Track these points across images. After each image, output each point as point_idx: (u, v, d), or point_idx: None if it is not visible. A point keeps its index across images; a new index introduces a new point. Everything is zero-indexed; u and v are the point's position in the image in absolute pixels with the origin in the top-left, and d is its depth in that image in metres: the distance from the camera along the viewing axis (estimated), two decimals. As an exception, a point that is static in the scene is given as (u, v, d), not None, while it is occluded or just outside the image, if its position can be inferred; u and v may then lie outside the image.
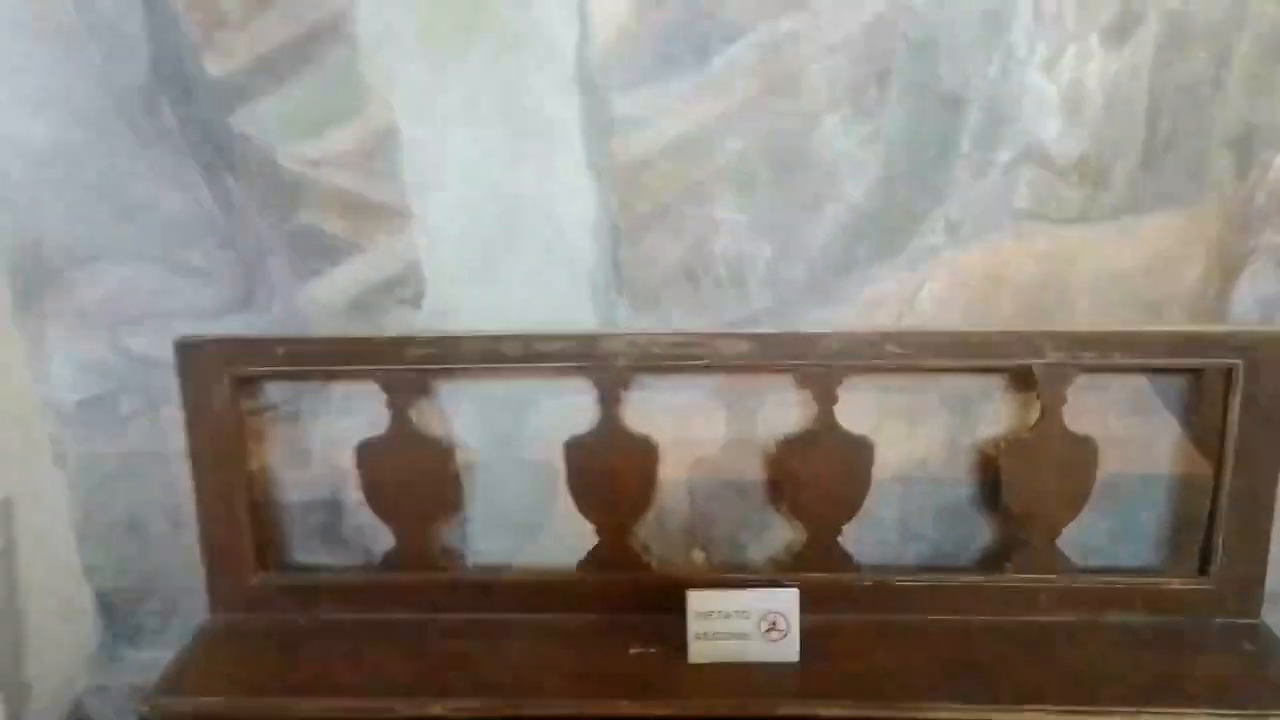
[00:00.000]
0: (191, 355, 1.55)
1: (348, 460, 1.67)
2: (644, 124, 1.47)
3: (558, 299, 1.57)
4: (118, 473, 1.74)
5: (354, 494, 1.70)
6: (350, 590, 1.65)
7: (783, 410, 1.59)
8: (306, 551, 1.75)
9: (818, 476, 1.57)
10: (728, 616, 1.46)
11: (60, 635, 1.76)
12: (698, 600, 1.46)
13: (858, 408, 1.56)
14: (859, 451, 1.56)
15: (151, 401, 1.69)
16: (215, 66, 1.48)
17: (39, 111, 1.51)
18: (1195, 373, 1.53)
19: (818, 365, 1.51)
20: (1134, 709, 1.34)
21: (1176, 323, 1.51)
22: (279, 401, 1.68)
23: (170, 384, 1.62)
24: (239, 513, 1.61)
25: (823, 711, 1.36)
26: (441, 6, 1.44)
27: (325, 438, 1.70)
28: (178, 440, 1.65)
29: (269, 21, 1.45)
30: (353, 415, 1.67)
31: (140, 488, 1.75)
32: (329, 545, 1.76)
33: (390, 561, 1.66)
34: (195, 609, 1.72)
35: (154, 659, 1.68)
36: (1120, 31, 1.41)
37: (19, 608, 1.67)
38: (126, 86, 1.49)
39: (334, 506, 1.74)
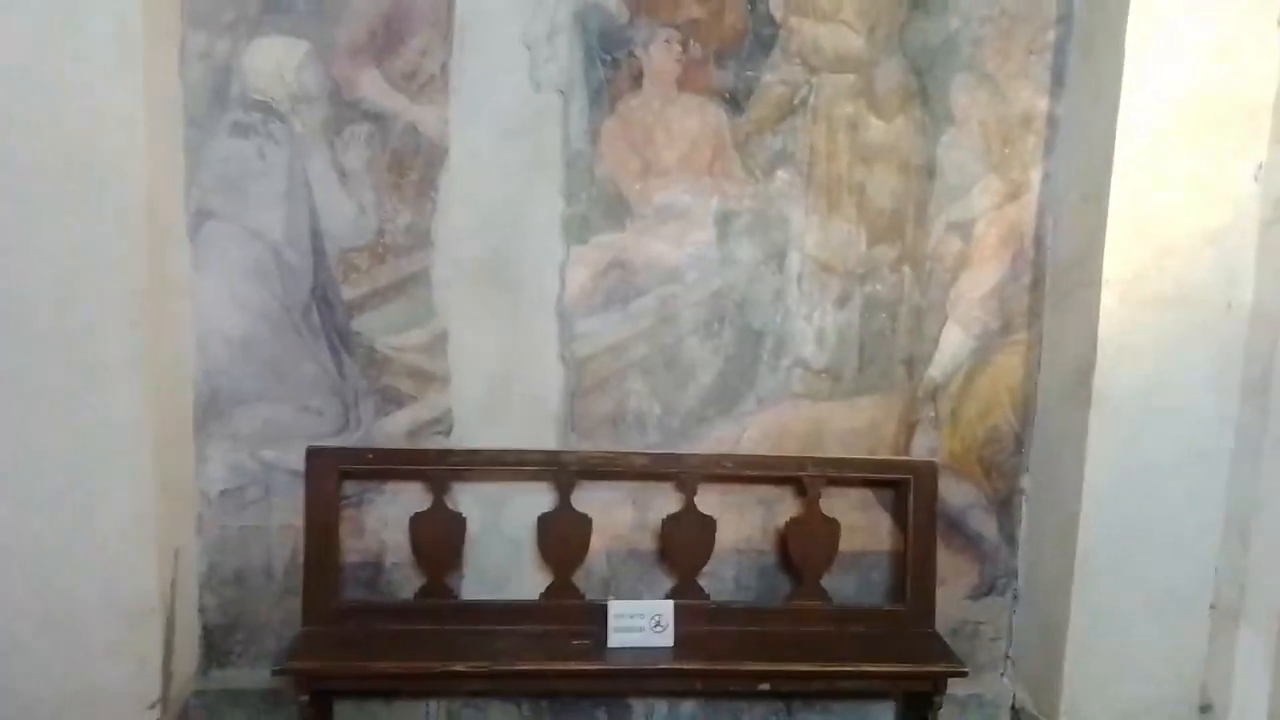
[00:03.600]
0: (315, 457, 2.57)
1: (389, 538, 2.68)
2: (592, 337, 2.65)
3: (534, 433, 2.68)
4: (235, 541, 2.69)
5: (389, 559, 2.70)
6: (396, 610, 2.63)
7: (664, 502, 2.71)
8: (354, 593, 2.71)
9: (684, 544, 2.67)
10: (632, 618, 2.51)
11: (182, 653, 2.63)
12: (615, 608, 2.51)
13: (708, 502, 2.69)
14: (708, 528, 2.68)
15: (268, 493, 2.67)
16: (348, 292, 2.60)
17: (239, 313, 2.57)
18: (891, 484, 2.74)
19: (685, 474, 2.65)
20: (852, 664, 2.45)
21: (880, 456, 2.73)
22: (351, 494, 2.69)
23: (281, 480, 2.63)
24: (329, 560, 2.59)
25: (685, 666, 2.41)
26: (483, 270, 2.61)
27: (376, 519, 2.71)
28: (279, 519, 2.64)
29: (382, 271, 2.60)
30: (395, 507, 2.70)
31: (248, 552, 2.70)
32: (369, 591, 2.72)
33: (420, 596, 2.65)
34: (269, 642, 2.64)
35: (235, 675, 2.60)
36: (843, 300, 2.69)
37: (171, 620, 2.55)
38: (295, 301, 2.58)
39: (376, 567, 2.72)
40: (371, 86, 2.53)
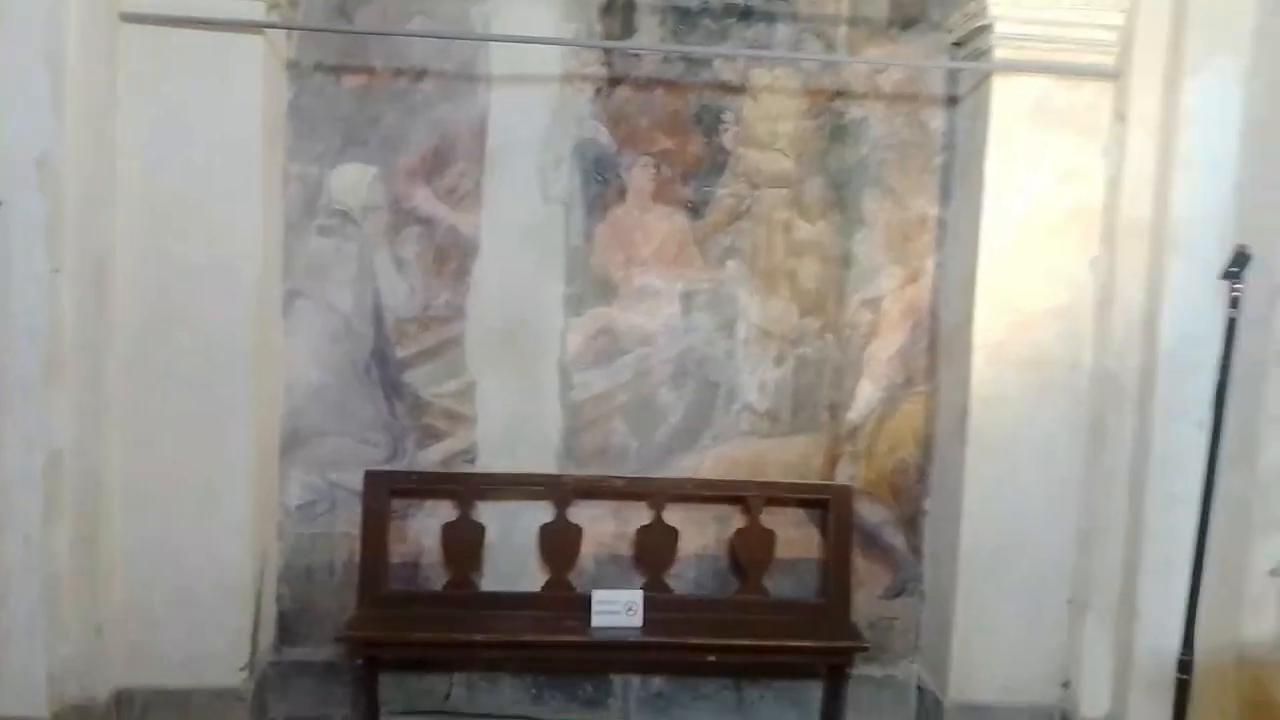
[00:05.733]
0: (371, 479, 3.37)
1: (425, 542, 3.45)
2: (585, 387, 3.45)
3: (539, 461, 3.46)
4: (306, 544, 3.47)
5: (425, 559, 3.47)
6: (430, 598, 3.39)
7: (639, 516, 3.46)
8: (397, 585, 3.47)
9: (654, 549, 3.42)
10: (610, 603, 3.25)
11: (264, 631, 3.39)
12: (598, 596, 3.26)
13: (673, 517, 3.44)
14: (673, 537, 3.43)
15: (333, 507, 3.46)
16: (400, 352, 3.42)
17: (317, 368, 3.40)
18: (817, 503, 3.48)
19: (655, 494, 3.41)
20: (782, 642, 3.17)
21: (809, 481, 3.48)
22: (397, 508, 3.47)
23: (343, 497, 3.42)
24: (378, 559, 3.36)
25: (650, 639, 3.15)
26: (503, 336, 3.42)
27: (416, 527, 3.48)
28: (341, 527, 3.43)
29: (427, 336, 3.42)
30: (431, 518, 3.47)
31: (317, 553, 3.47)
32: (409, 584, 3.48)
33: (448, 587, 3.41)
34: (329, 626, 3.39)
35: (302, 651, 3.37)
36: (780, 360, 3.48)
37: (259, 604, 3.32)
38: (359, 359, 3.41)
39: (415, 565, 3.49)
40: (423, 199, 3.39)
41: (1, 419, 2.77)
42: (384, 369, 3.42)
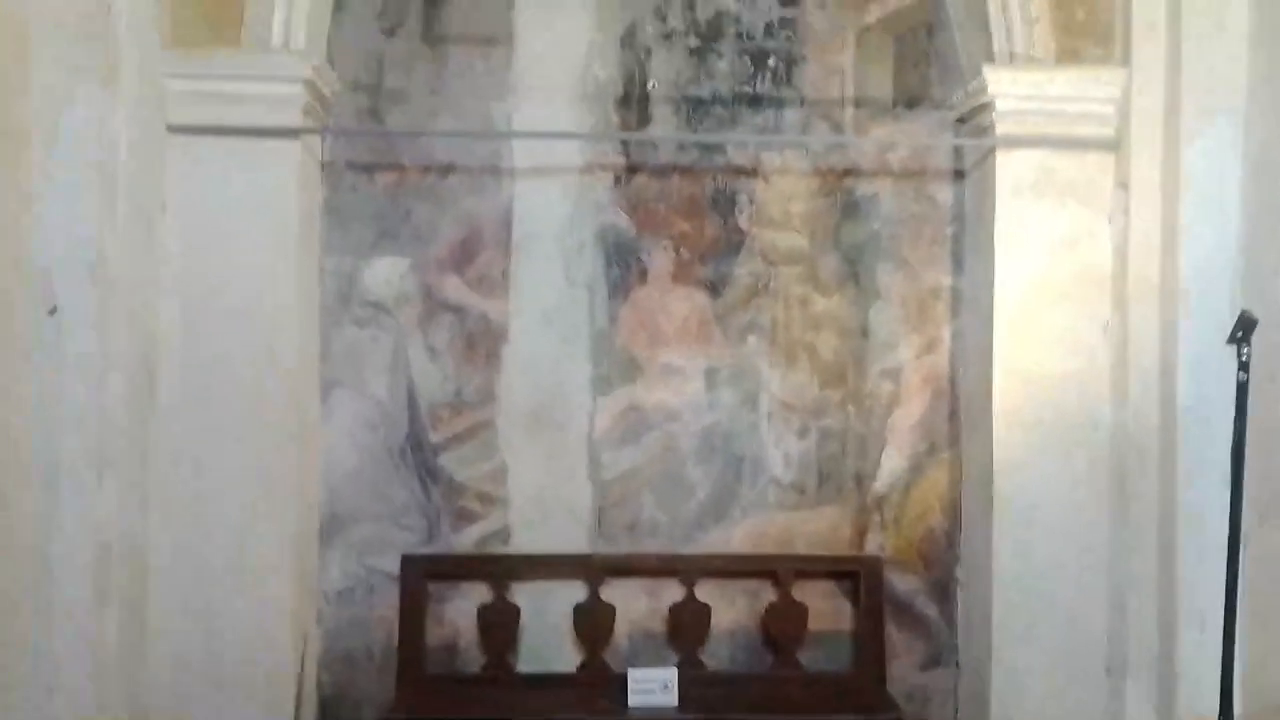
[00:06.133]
0: (408, 564, 3.43)
1: (462, 625, 3.49)
2: (614, 465, 3.52)
3: (571, 539, 3.51)
4: (345, 629, 3.52)
5: (462, 641, 3.50)
6: (467, 680, 3.42)
7: (672, 593, 3.49)
8: (435, 668, 3.50)
9: (687, 626, 3.44)
10: (646, 682, 3.26)
11: (305, 714, 3.42)
12: (634, 675, 3.27)
13: (705, 593, 3.47)
14: (705, 613, 3.45)
15: (371, 592, 3.51)
16: (434, 436, 3.52)
17: (354, 454, 3.50)
18: (848, 575, 3.50)
19: (687, 570, 3.45)
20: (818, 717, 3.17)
21: (836, 552, 3.51)
22: (433, 591, 3.52)
23: (381, 581, 3.48)
24: (416, 643, 3.40)
25: (687, 717, 3.15)
26: (533, 418, 3.52)
27: (452, 610, 3.53)
28: (379, 612, 3.48)
29: (460, 420, 3.52)
30: (466, 600, 3.52)
31: (355, 638, 3.52)
32: (446, 667, 3.51)
33: (485, 669, 3.43)
34: (368, 711, 3.41)
35: None
36: (803, 432, 3.54)
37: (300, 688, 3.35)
38: (395, 444, 3.51)
39: (452, 648, 3.52)
40: (453, 288, 3.52)
41: (52, 511, 2.86)
42: (419, 454, 3.52)
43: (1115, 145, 3.25)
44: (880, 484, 3.56)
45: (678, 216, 3.57)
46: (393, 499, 3.51)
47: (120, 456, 2.95)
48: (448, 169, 3.52)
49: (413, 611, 3.42)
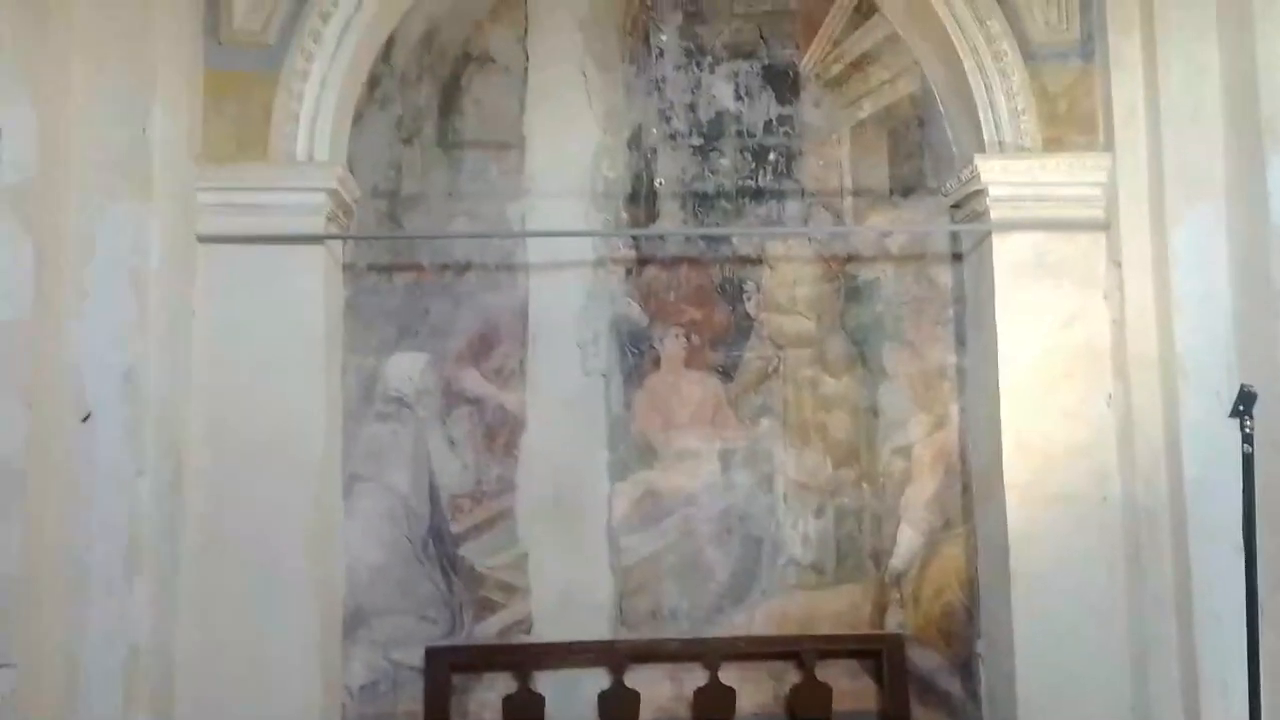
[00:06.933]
0: (432, 656, 3.44)
1: (486, 716, 3.49)
2: (633, 551, 3.57)
3: (593, 627, 3.53)
4: (369, 725, 3.52)
5: (487, 736, 3.50)
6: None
7: (695, 677, 3.50)
8: (462, 766, 3.49)
9: (712, 710, 3.44)
10: (675, 769, 3.26)
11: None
12: (661, 762, 3.27)
13: (729, 676, 3.48)
14: (729, 697, 3.46)
15: (395, 685, 3.52)
16: (455, 527, 3.57)
17: (376, 547, 3.54)
18: (870, 654, 3.52)
19: (710, 654, 3.46)
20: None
21: (857, 630, 3.53)
22: (457, 683, 3.52)
23: (405, 675, 3.48)
24: (443, 735, 3.40)
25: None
26: (552, 505, 3.57)
27: (476, 701, 3.53)
28: (403, 705, 3.47)
29: (480, 510, 3.57)
30: (490, 691, 3.52)
31: (379, 734, 3.52)
32: (472, 764, 3.50)
33: (512, 762, 3.43)
34: None
35: None
36: (819, 511, 3.60)
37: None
38: (416, 536, 3.56)
39: (477, 742, 3.52)
40: (471, 381, 3.62)
41: (83, 615, 2.89)
42: (440, 545, 3.56)
43: (1106, 226, 3.40)
44: (898, 561, 3.61)
45: (688, 305, 3.69)
46: (415, 591, 3.54)
47: (150, 560, 3.00)
48: (465, 267, 3.65)
49: (438, 704, 3.42)
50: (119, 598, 2.92)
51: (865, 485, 3.64)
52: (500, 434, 3.61)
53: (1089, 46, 3.43)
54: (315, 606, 3.26)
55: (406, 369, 3.61)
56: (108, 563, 2.93)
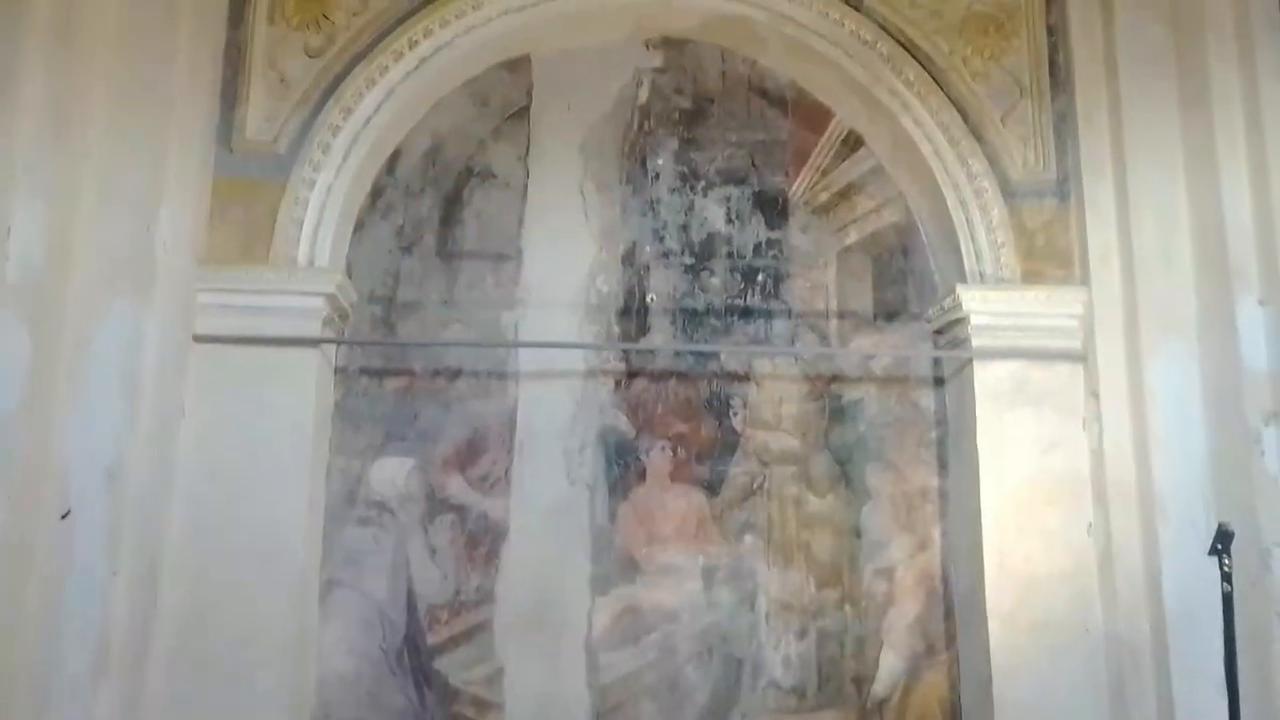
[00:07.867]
0: (401, 772, 3.33)
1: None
2: (611, 668, 3.51)
3: (570, 747, 3.45)
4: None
5: None
6: None
7: (673, 803, 3.41)
8: None
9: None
10: None
11: None
12: None
13: (707, 803, 3.39)
14: (708, 824, 3.35)
15: (360, 803, 3.40)
16: (431, 638, 3.50)
17: (350, 657, 3.46)
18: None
19: (687, 779, 3.38)
20: None
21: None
22: (425, 803, 3.41)
23: (372, 791, 3.36)
24: None
25: None
26: (531, 618, 3.52)
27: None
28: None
29: (458, 621, 3.52)
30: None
31: None
32: None
33: None
34: None
35: None
36: (801, 632, 3.57)
37: None
38: (391, 646, 3.48)
39: None
40: (456, 487, 3.61)
41: (49, 716, 2.80)
42: (415, 657, 3.49)
43: (1083, 357, 3.50)
44: (880, 686, 3.56)
45: (675, 418, 3.73)
46: (387, 704, 3.45)
47: (118, 662, 2.93)
48: (456, 373, 3.69)
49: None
50: (84, 701, 2.84)
51: (848, 607, 3.62)
52: (482, 542, 3.59)
53: (1065, 188, 3.59)
54: (287, 714, 3.17)
55: (391, 473, 3.60)
56: (75, 663, 2.86)
